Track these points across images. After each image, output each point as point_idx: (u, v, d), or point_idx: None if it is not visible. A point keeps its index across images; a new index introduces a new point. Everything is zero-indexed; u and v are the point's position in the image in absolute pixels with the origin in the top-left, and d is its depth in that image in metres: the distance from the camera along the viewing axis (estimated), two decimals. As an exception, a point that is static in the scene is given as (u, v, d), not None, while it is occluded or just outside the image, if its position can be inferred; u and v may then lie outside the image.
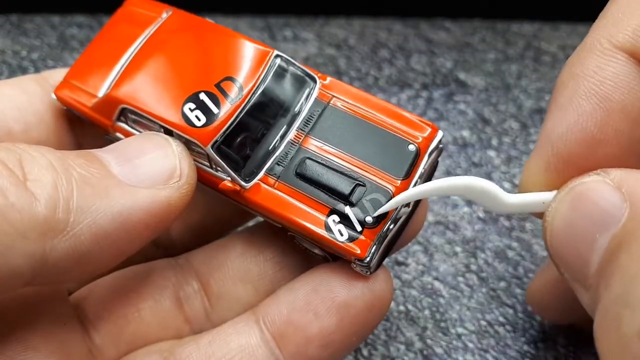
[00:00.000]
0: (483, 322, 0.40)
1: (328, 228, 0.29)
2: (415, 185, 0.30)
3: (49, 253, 0.24)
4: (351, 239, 0.29)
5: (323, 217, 0.29)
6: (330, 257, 0.31)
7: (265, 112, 0.31)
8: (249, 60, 0.31)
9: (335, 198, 0.29)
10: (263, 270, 0.33)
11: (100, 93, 0.32)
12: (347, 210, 0.29)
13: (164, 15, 0.33)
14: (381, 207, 0.29)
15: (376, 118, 0.31)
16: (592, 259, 0.24)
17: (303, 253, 0.32)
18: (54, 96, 0.33)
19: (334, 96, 0.32)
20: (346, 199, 0.29)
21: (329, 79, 0.32)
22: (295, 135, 0.31)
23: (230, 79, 0.30)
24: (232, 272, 0.33)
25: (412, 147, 0.30)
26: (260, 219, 0.33)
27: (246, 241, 0.33)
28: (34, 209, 0.24)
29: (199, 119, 0.29)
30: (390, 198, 0.29)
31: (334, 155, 0.30)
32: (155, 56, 0.31)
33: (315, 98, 0.32)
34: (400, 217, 0.30)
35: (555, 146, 0.27)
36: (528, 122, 0.51)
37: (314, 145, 0.31)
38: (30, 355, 0.29)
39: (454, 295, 0.42)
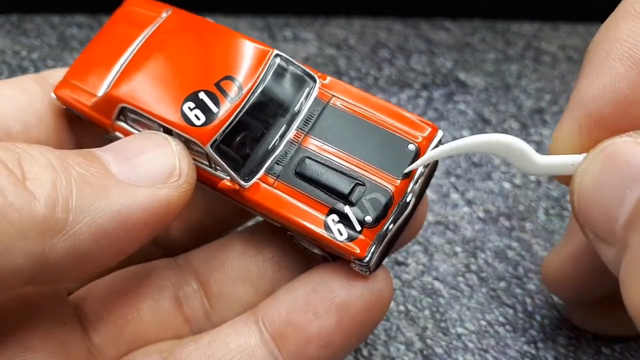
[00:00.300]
0: (483, 322, 0.40)
1: (327, 227, 0.29)
2: (415, 185, 0.30)
3: (49, 252, 0.24)
4: (350, 239, 0.29)
5: (322, 217, 0.29)
6: (330, 256, 0.31)
7: (265, 111, 0.31)
8: (249, 59, 0.31)
9: (335, 197, 0.29)
10: (262, 270, 0.33)
11: (100, 92, 0.32)
12: (347, 209, 0.29)
13: (164, 15, 0.33)
14: (382, 206, 0.29)
15: (376, 118, 0.31)
16: (621, 213, 0.25)
17: (302, 253, 0.32)
18: (53, 95, 0.33)
19: (333, 95, 0.32)
20: (346, 199, 0.29)
21: (328, 78, 0.32)
22: (295, 135, 0.31)
23: (230, 78, 0.30)
24: (232, 272, 0.33)
25: (412, 147, 0.30)
26: (260, 218, 0.33)
27: (246, 241, 0.33)
28: (33, 209, 0.24)
29: (199, 118, 0.29)
30: (391, 198, 0.29)
31: (334, 155, 0.30)
32: (154, 55, 0.31)
33: (315, 97, 0.32)
34: (401, 217, 0.30)
35: (588, 107, 0.27)
36: (528, 122, 0.51)
37: (313, 144, 0.31)
38: (30, 356, 0.28)
39: (454, 295, 0.42)
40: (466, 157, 0.49)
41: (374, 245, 0.29)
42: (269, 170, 0.30)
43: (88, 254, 0.26)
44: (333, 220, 0.29)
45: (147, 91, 0.31)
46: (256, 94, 0.30)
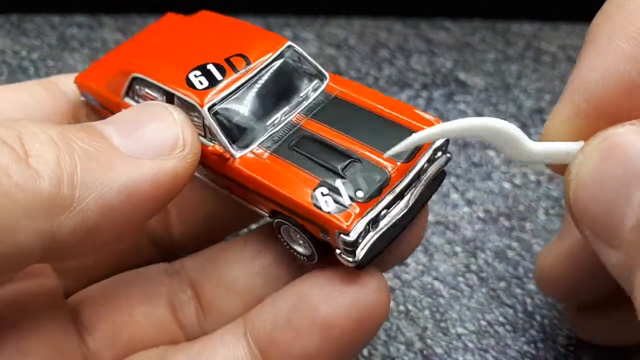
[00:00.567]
0: (483, 322, 0.40)
1: (314, 199, 0.27)
2: (416, 175, 0.29)
3: (57, 230, 0.24)
4: (337, 211, 0.27)
5: (311, 189, 0.28)
6: (317, 253, 0.29)
7: (270, 91, 0.31)
8: (263, 43, 0.32)
9: (327, 171, 0.28)
10: (252, 281, 0.32)
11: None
12: (338, 182, 0.28)
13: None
14: (377, 184, 0.28)
15: (382, 110, 0.31)
16: (628, 214, 0.22)
17: (293, 265, 0.32)
18: (73, 85, 0.34)
19: (341, 90, 0.32)
20: (338, 173, 0.28)
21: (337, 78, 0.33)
22: (297, 117, 0.31)
23: (242, 55, 0.31)
24: (223, 282, 0.32)
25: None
26: (254, 226, 0.33)
27: (238, 251, 0.33)
28: (38, 187, 0.23)
29: (202, 83, 0.30)
30: (388, 178, 0.28)
31: (334, 135, 0.30)
32: (171, 41, 0.33)
33: (323, 90, 0.32)
34: (393, 208, 0.29)
35: (589, 90, 0.24)
36: (528, 122, 0.51)
37: (314, 126, 0.30)
38: None
39: (454, 295, 0.42)
40: (466, 156, 0.49)
41: (363, 223, 0.27)
42: (263, 145, 0.30)
43: (96, 229, 0.25)
44: (322, 192, 0.28)
45: (158, 64, 0.31)
46: (263, 72, 0.31)
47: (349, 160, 0.29)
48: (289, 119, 0.31)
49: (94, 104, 0.34)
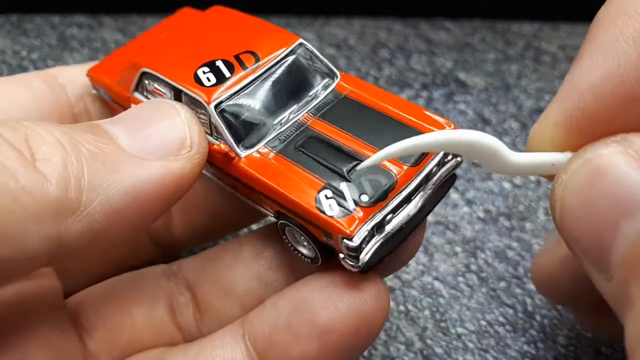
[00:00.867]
0: (483, 322, 0.40)
1: (318, 202, 0.27)
2: (424, 179, 0.29)
3: (64, 234, 0.24)
4: (340, 215, 0.26)
5: (315, 191, 0.27)
6: (321, 256, 0.29)
7: (278, 89, 0.30)
8: (274, 41, 0.31)
9: (332, 173, 0.28)
10: (248, 285, 0.32)
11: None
12: (342, 186, 0.27)
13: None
14: (382, 188, 0.27)
15: (392, 111, 0.30)
16: (615, 248, 0.21)
17: (289, 269, 0.31)
18: (86, 78, 0.34)
19: (351, 90, 0.32)
20: (343, 175, 0.28)
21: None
22: (304, 117, 0.30)
23: (251, 52, 0.30)
24: (220, 284, 0.32)
25: None
26: (254, 227, 0.33)
27: (235, 254, 0.33)
28: (46, 190, 0.23)
29: (209, 80, 0.29)
30: (394, 182, 0.28)
31: (340, 136, 0.29)
32: (182, 36, 0.33)
33: (333, 89, 0.32)
34: (399, 213, 0.28)
35: (583, 97, 0.22)
36: (528, 122, 0.51)
37: (321, 126, 0.30)
38: None
39: (454, 295, 0.42)
40: (466, 157, 0.49)
41: (367, 228, 0.27)
42: (269, 144, 0.30)
43: (103, 232, 0.25)
44: (326, 195, 0.27)
45: (168, 59, 0.31)
46: (272, 70, 0.30)
47: (355, 163, 0.28)
48: (296, 118, 0.30)
49: (106, 98, 0.34)
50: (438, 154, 0.29)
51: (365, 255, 0.27)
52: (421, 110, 0.30)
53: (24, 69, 0.54)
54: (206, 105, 0.29)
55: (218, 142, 0.29)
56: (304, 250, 0.30)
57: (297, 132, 0.30)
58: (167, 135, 0.27)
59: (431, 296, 0.42)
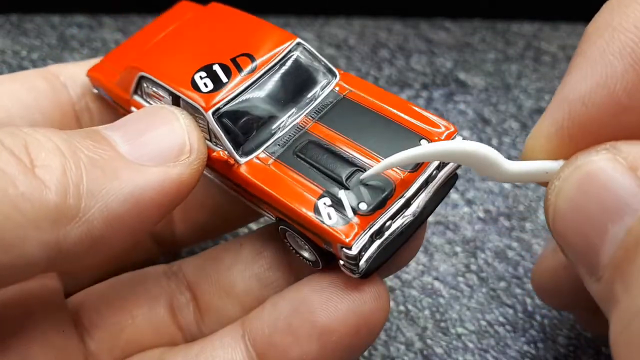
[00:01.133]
0: (483, 322, 0.40)
1: (317, 210, 0.27)
2: (423, 183, 0.29)
3: (63, 240, 0.24)
4: (339, 224, 0.27)
5: (314, 199, 0.27)
6: (322, 260, 0.29)
7: (276, 92, 0.30)
8: (271, 41, 0.31)
9: (331, 181, 0.28)
10: (248, 286, 0.32)
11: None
12: (341, 194, 0.27)
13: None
14: (381, 195, 0.27)
15: (391, 113, 0.30)
16: (604, 250, 0.22)
17: (290, 270, 0.31)
18: (85, 77, 0.34)
19: (351, 90, 0.31)
20: (342, 183, 0.28)
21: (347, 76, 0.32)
22: (303, 120, 0.30)
23: (248, 55, 0.30)
24: (220, 284, 0.32)
25: (424, 142, 0.29)
26: (253, 226, 0.33)
27: (235, 253, 0.33)
28: (45, 197, 0.23)
29: (207, 86, 0.29)
30: (393, 189, 0.28)
31: (339, 141, 0.29)
32: (179, 37, 0.32)
33: (332, 90, 0.31)
34: (399, 217, 0.28)
35: (573, 108, 0.23)
36: (528, 122, 0.51)
37: (320, 130, 0.30)
38: None
39: (454, 295, 0.42)
40: (466, 157, 0.49)
41: (365, 237, 0.27)
42: (268, 150, 0.29)
43: (102, 238, 0.25)
44: (324, 203, 0.27)
45: (165, 63, 0.31)
46: (270, 73, 0.30)
47: (354, 169, 0.28)
48: (295, 122, 0.30)
49: (107, 98, 0.34)
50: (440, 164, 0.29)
51: (364, 262, 0.27)
52: (421, 110, 0.30)
53: (24, 69, 0.54)
54: (204, 112, 0.29)
55: (218, 149, 0.29)
56: (306, 254, 0.30)
57: (296, 136, 0.30)
58: (166, 141, 0.27)
59: (431, 296, 0.42)
